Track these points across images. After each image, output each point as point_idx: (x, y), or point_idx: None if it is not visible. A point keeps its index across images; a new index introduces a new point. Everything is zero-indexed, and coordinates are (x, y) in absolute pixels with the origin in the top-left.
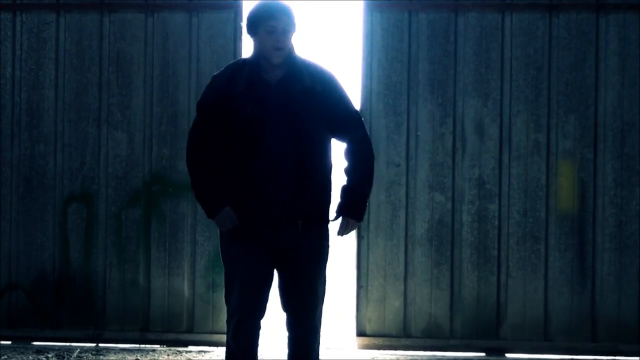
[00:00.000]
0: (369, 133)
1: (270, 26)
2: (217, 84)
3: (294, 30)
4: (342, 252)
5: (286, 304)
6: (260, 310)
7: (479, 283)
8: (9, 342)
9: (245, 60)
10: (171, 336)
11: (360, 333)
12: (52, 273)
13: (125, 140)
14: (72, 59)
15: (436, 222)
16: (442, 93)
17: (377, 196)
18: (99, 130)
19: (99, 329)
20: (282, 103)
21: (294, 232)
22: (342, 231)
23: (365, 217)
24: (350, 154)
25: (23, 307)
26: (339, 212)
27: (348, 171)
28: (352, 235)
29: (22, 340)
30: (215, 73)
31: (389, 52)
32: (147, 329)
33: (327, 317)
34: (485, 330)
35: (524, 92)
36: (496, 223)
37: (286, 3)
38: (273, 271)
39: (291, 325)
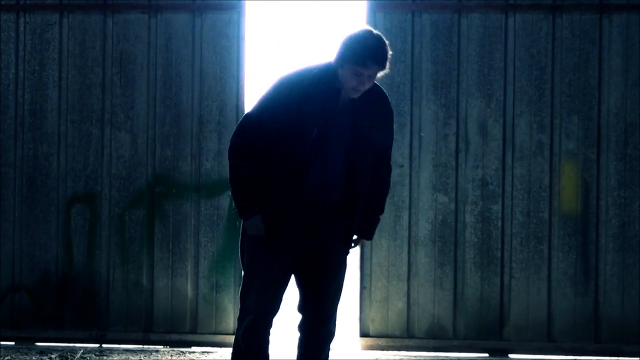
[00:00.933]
0: None
1: (358, 71)
2: (295, 93)
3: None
4: None
5: (306, 307)
6: (276, 311)
7: (482, 284)
8: (12, 343)
9: (326, 75)
10: (174, 337)
11: (364, 334)
12: (56, 274)
13: (128, 141)
14: (76, 60)
15: (439, 222)
16: (446, 94)
17: None
18: (102, 131)
19: (102, 330)
20: (345, 128)
21: (332, 246)
22: (353, 247)
23: None
24: (374, 179)
25: (26, 308)
26: (358, 234)
27: (370, 194)
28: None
29: (25, 341)
30: (288, 76)
31: (392, 53)
32: (151, 330)
33: None
34: (489, 331)
35: (527, 93)
36: (499, 224)
37: (385, 46)
38: (291, 274)
39: (307, 327)
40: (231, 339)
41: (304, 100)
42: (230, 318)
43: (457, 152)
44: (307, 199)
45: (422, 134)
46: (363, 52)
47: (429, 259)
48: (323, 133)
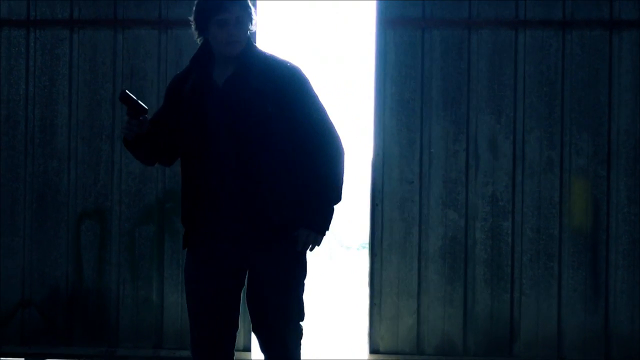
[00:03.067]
0: (381, 151)
1: (221, 20)
2: (170, 84)
3: (251, 20)
4: (353, 268)
5: (253, 326)
6: (224, 337)
7: (492, 300)
8: (22, 359)
9: (195, 56)
10: (184, 353)
11: (374, 350)
12: (65, 290)
13: None
14: (86, 76)
15: (449, 239)
16: (456, 110)
17: (390, 213)
18: (112, 146)
19: (112, 346)
20: (227, 107)
21: (249, 249)
22: (302, 246)
23: (379, 234)
24: (310, 154)
25: (36, 324)
26: (295, 223)
27: (305, 170)
28: (365, 252)
29: (35, 357)
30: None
31: (402, 69)
32: (161, 346)
33: (340, 334)
34: (499, 347)
35: (537, 109)
36: (509, 240)
37: None
38: (237, 292)
39: (261, 348)
40: (241, 355)
41: (178, 84)
42: (240, 334)
43: (467, 168)
44: (207, 191)
45: (432, 150)
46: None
47: (439, 276)
48: (202, 117)
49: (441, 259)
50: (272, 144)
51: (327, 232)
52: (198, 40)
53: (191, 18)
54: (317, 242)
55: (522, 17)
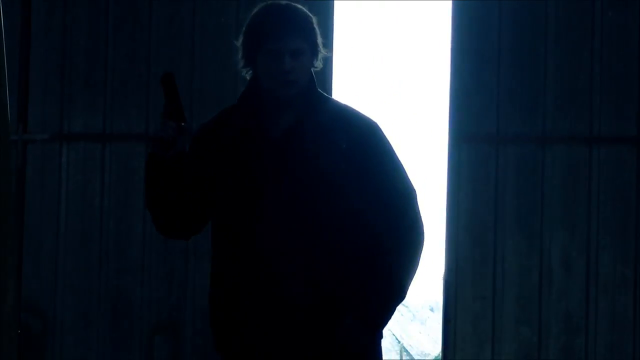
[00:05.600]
0: (454, 266)
1: (272, 50)
2: (197, 133)
3: (316, 54)
4: None
5: None
6: None
7: None
8: None
9: (241, 99)
10: None
11: None
12: None
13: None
14: None
15: (522, 356)
16: (529, 225)
17: (462, 329)
18: (187, 261)
19: None
20: (285, 168)
21: None
22: (340, 338)
23: (451, 350)
24: (388, 240)
25: None
26: (347, 309)
27: (379, 257)
28: None
29: None
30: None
31: (476, 185)
32: None
33: None
34: None
35: (611, 226)
36: (583, 357)
37: (298, 9)
38: None
39: None
40: None
41: (211, 133)
42: None
43: (540, 284)
44: (249, 295)
45: (505, 266)
46: (264, 21)
47: None
48: (247, 179)
49: None
50: (343, 223)
51: (375, 334)
52: (245, 73)
53: (238, 42)
54: (360, 340)
55: (596, 134)
